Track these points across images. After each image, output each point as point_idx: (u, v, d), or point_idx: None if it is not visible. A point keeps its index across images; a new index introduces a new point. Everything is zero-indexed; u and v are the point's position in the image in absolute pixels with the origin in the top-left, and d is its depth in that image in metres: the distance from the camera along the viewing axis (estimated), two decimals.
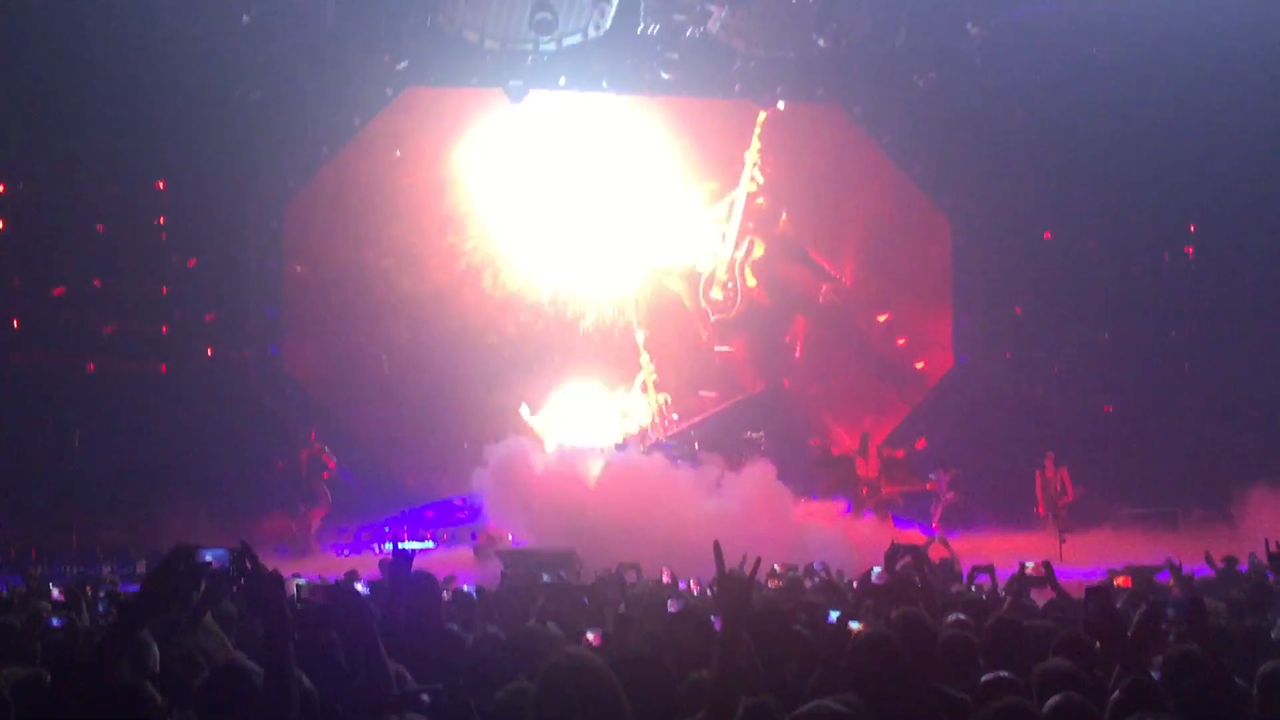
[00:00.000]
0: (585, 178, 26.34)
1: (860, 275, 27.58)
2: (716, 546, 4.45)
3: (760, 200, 27.14)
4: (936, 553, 13.64)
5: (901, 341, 27.89)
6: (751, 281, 27.07)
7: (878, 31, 23.67)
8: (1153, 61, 23.23)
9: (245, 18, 21.17)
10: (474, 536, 21.74)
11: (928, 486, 24.38)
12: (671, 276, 26.88)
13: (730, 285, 26.98)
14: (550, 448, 23.28)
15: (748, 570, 4.60)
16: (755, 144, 26.92)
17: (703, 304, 26.94)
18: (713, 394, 26.83)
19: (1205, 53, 22.52)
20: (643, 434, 25.46)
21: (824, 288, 27.43)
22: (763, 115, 26.71)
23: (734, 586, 4.27)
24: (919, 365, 27.85)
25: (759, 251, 27.12)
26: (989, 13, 23.05)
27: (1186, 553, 13.27)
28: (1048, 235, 27.65)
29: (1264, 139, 23.62)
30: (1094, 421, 25.97)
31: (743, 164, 26.99)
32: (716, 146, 26.99)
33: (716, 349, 27.02)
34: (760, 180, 27.09)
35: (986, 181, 26.61)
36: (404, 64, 24.59)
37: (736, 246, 27.02)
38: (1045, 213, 27.10)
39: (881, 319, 27.85)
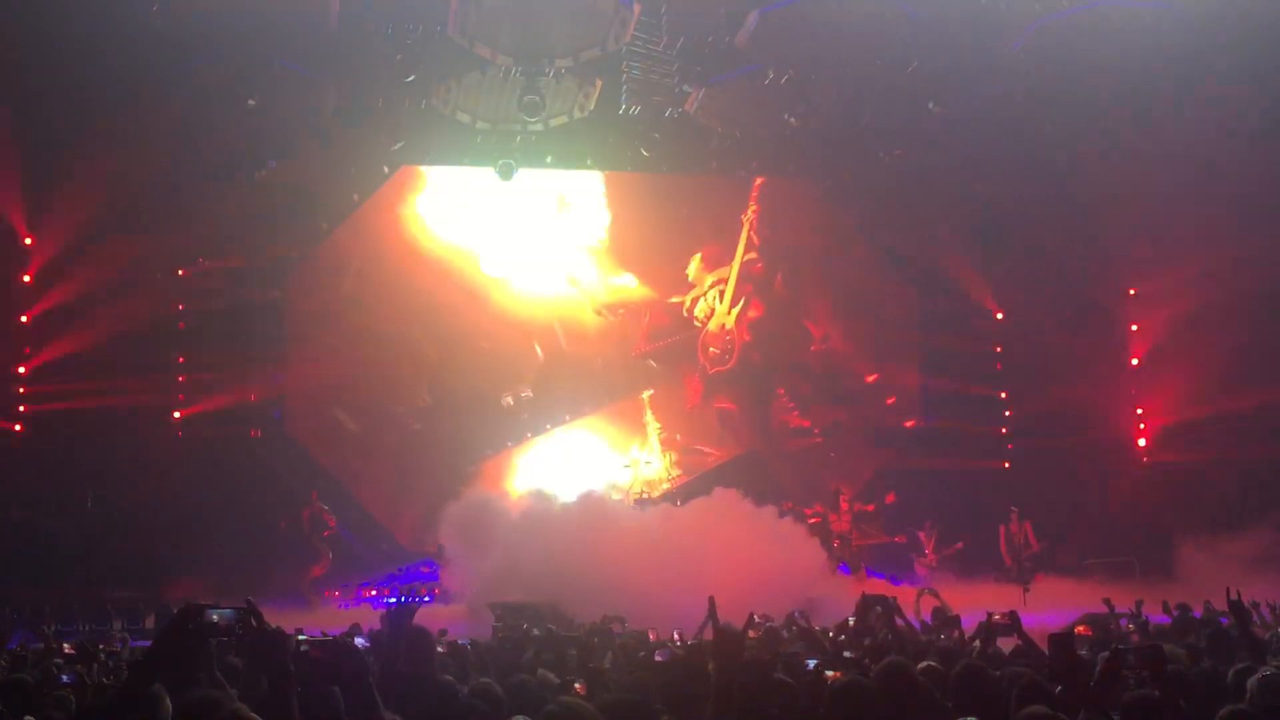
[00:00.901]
0: (581, 242, 26.64)
1: (848, 336, 27.77)
2: (711, 601, 4.49)
3: (756, 262, 27.21)
4: (928, 603, 13.67)
5: (890, 401, 27.93)
6: (746, 339, 27.10)
7: (845, 111, 23.82)
8: (1108, 135, 23.35)
9: (251, 101, 21.27)
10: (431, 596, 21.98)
11: (900, 540, 24.45)
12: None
13: (728, 341, 26.99)
14: (519, 493, 23.45)
15: (741, 625, 4.64)
16: (751, 208, 27.02)
17: (701, 359, 26.89)
18: (710, 450, 26.76)
19: (1161, 124, 22.59)
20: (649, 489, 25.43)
21: (813, 348, 27.53)
22: (758, 181, 26.92)
23: (729, 639, 4.29)
24: (908, 424, 27.84)
25: (755, 311, 27.16)
26: (950, 91, 23.20)
27: (1145, 600, 13.30)
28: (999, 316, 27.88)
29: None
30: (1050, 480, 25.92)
31: (740, 227, 27.09)
32: (717, 211, 27.28)
33: (717, 406, 26.92)
34: (756, 243, 27.19)
35: (948, 253, 26.80)
36: (400, 144, 24.90)
37: (733, 305, 27.04)
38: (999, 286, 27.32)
39: (870, 379, 27.91)
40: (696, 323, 27.11)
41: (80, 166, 21.83)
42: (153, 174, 22.36)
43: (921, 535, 24.58)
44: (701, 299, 27.10)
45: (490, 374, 25.71)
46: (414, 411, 25.54)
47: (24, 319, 23.31)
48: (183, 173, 22.93)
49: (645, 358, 26.57)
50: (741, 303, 27.08)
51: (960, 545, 24.11)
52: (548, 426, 26.01)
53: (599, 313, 26.51)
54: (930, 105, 23.18)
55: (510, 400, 25.66)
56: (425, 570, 23.47)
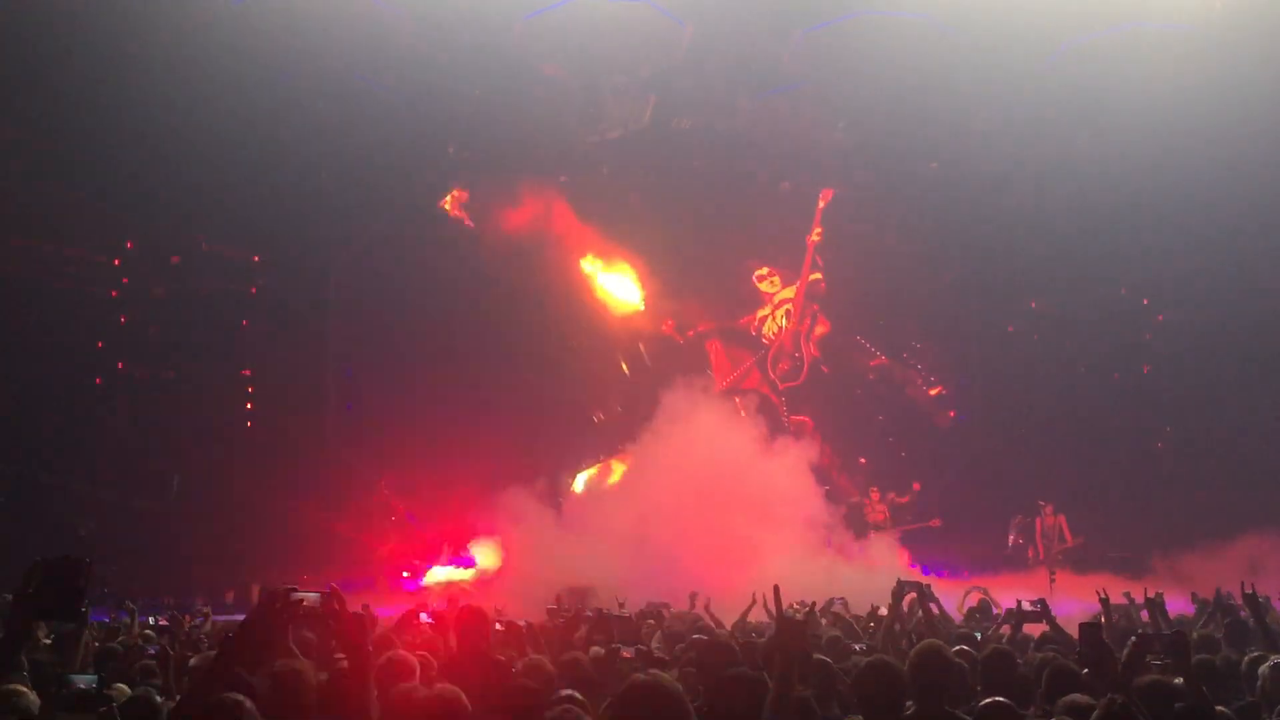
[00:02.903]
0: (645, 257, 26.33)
1: (910, 349, 27.61)
2: (776, 590, 4.48)
3: (821, 281, 26.89)
4: (975, 597, 13.62)
5: (952, 414, 27.67)
6: (815, 354, 26.93)
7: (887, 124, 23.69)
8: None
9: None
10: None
11: (934, 524, 24.18)
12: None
13: (796, 356, 26.88)
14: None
15: (801, 614, 4.67)
16: (816, 230, 26.56)
17: (772, 374, 26.72)
18: None
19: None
20: None
21: (872, 363, 27.44)
22: (823, 201, 26.40)
23: (791, 629, 4.32)
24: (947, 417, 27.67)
25: (821, 328, 26.99)
26: (989, 105, 23.05)
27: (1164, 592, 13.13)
28: (1033, 304, 27.59)
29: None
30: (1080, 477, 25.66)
31: (805, 247, 26.71)
32: (779, 229, 26.86)
33: (792, 418, 26.56)
34: (820, 263, 26.84)
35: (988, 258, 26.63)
36: (464, 153, 24.97)
37: (800, 321, 26.87)
38: (1033, 284, 27.13)
39: (933, 393, 27.73)
40: (765, 342, 26.89)
41: None
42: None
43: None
44: (769, 319, 26.95)
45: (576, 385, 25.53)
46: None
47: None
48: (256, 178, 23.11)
49: (731, 393, 26.02)
50: (811, 319, 26.88)
51: (916, 487, 23.75)
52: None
53: (670, 331, 26.29)
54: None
55: (599, 417, 25.47)
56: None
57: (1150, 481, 25.59)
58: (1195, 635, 8.34)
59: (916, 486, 24.05)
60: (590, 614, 9.54)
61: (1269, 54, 19.72)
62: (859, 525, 23.27)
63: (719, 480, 19.80)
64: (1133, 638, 5.81)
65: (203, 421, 23.74)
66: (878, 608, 10.94)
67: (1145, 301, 27.18)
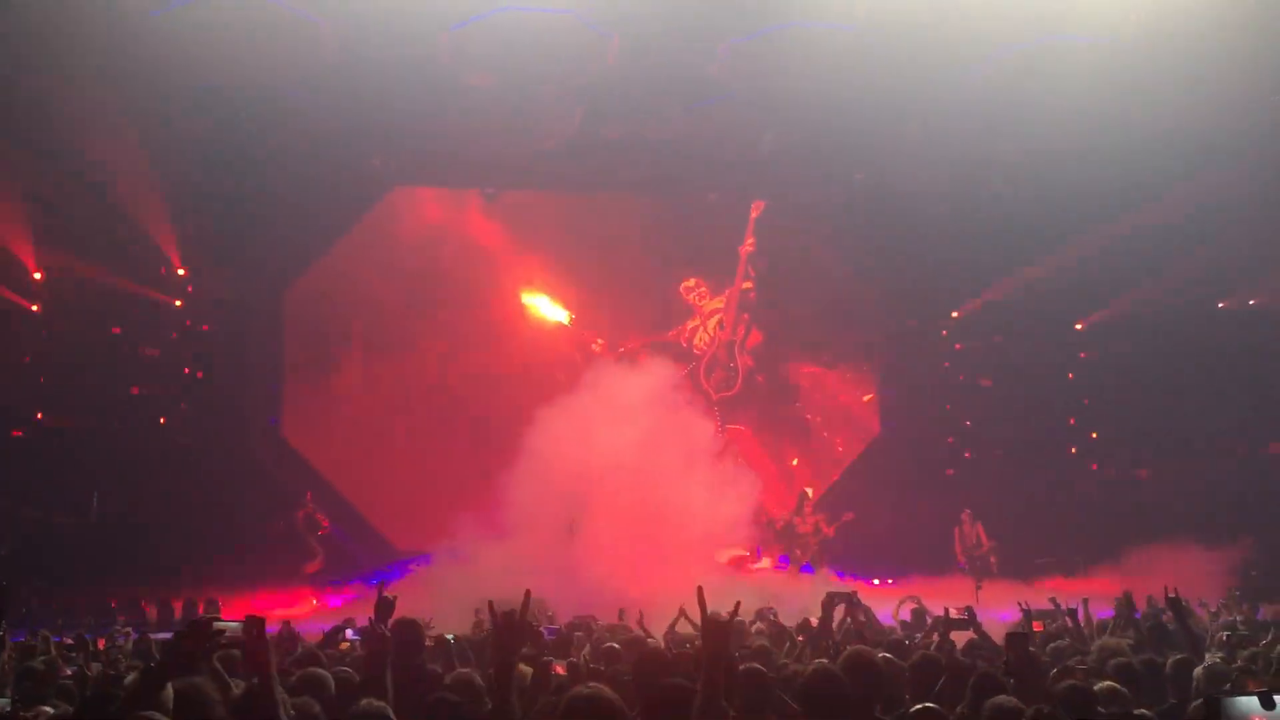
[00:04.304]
0: (574, 269, 26.20)
1: (845, 358, 27.83)
2: (699, 591, 4.49)
3: (752, 291, 26.93)
4: (908, 607, 13.78)
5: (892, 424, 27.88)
6: (749, 364, 27.01)
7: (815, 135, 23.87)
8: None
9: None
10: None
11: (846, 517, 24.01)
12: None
13: (731, 366, 26.94)
14: None
15: (727, 615, 4.67)
16: (750, 238, 26.56)
17: (705, 384, 26.62)
18: None
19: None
20: None
21: (807, 370, 27.59)
22: (756, 211, 26.46)
23: (716, 630, 4.33)
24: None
25: (755, 338, 27.07)
26: (915, 117, 23.30)
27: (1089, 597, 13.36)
28: (955, 314, 27.99)
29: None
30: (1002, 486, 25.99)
31: (735, 257, 26.75)
32: (708, 240, 26.90)
33: (728, 429, 26.38)
34: (752, 272, 26.88)
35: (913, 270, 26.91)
36: (389, 164, 24.85)
37: (734, 332, 26.95)
38: (959, 293, 27.45)
39: (866, 399, 27.97)
40: (697, 353, 26.88)
41: None
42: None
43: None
44: (700, 329, 27.01)
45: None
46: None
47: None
48: (184, 191, 22.83)
49: None
50: (745, 330, 26.98)
51: (849, 516, 23.85)
52: None
53: (601, 350, 26.16)
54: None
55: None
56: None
57: (1072, 489, 26.09)
58: (1099, 644, 8.51)
59: (849, 517, 24.00)
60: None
61: (1182, 65, 20.13)
62: (789, 536, 23.35)
63: (648, 491, 19.74)
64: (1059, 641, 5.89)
65: (124, 438, 23.42)
66: (809, 619, 10.99)
67: (1078, 314, 27.63)
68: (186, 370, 24.74)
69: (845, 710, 5.42)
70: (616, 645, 8.99)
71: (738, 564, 21.89)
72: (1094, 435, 27.51)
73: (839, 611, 9.70)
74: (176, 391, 24.66)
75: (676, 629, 11.18)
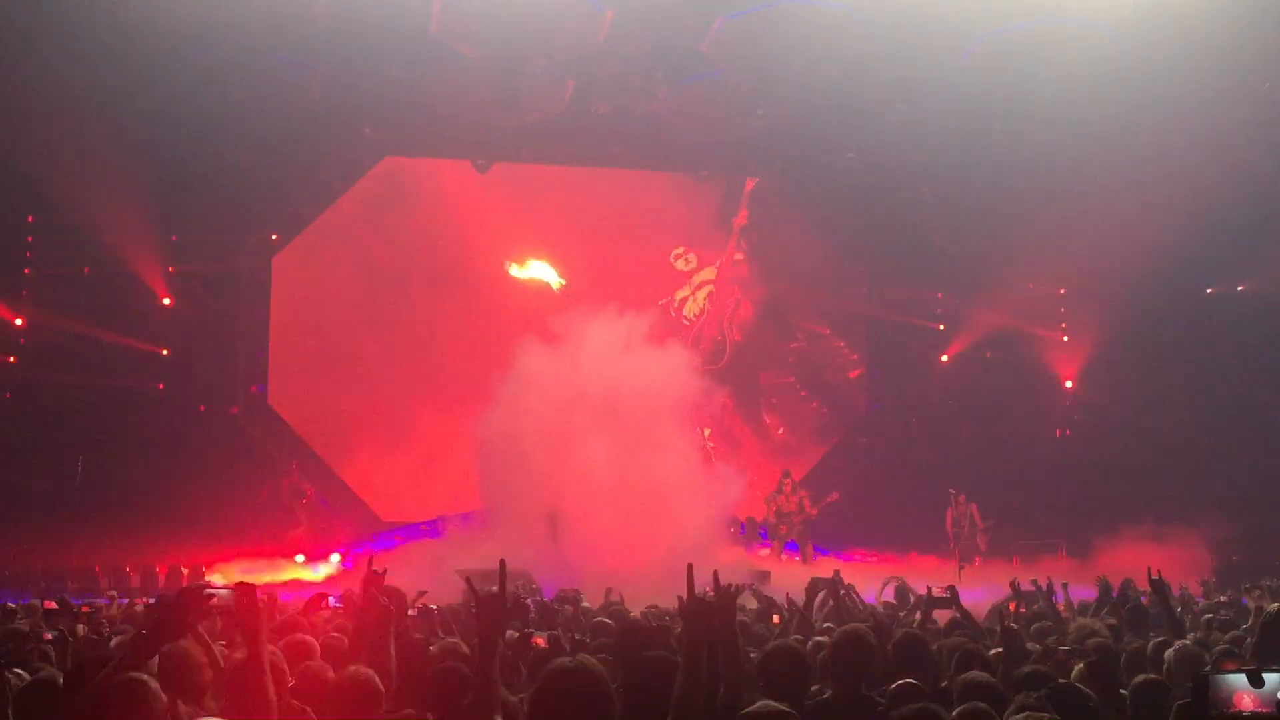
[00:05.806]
0: (564, 241, 26.19)
1: (834, 332, 27.96)
2: (689, 569, 4.50)
3: (744, 263, 27.04)
4: (892, 587, 13.86)
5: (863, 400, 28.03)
6: (737, 337, 27.07)
7: (806, 112, 23.83)
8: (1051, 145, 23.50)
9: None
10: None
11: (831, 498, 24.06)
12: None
13: (719, 339, 26.97)
14: None
15: (712, 592, 4.70)
16: (743, 210, 26.72)
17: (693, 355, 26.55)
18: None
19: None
20: None
21: (794, 345, 27.66)
22: (749, 186, 26.64)
23: (699, 608, 4.34)
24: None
25: (744, 311, 27.12)
26: (906, 97, 23.30)
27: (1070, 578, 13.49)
28: (939, 294, 28.06)
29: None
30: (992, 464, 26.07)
31: (727, 230, 26.84)
32: (698, 215, 26.83)
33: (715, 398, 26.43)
34: (745, 246, 27.00)
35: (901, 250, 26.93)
36: (380, 134, 24.75)
37: (723, 305, 27.01)
38: (946, 275, 27.49)
39: (853, 375, 28.06)
40: (686, 323, 26.92)
41: None
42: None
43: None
44: (690, 299, 27.03)
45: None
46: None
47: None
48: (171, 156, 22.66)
49: None
50: (734, 303, 27.04)
51: (835, 497, 23.89)
52: None
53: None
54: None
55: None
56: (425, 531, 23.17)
57: (1058, 470, 26.20)
58: (1077, 624, 8.58)
59: (834, 497, 24.01)
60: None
61: (1178, 49, 20.16)
62: (776, 515, 23.37)
63: (633, 466, 19.76)
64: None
65: (109, 402, 23.39)
66: (791, 600, 11.03)
67: (1062, 291, 27.73)
68: (171, 343, 24.57)
69: (808, 687, 5.49)
70: (608, 620, 9.03)
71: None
72: (1077, 418, 27.67)
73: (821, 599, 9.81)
74: (163, 359, 24.52)
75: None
